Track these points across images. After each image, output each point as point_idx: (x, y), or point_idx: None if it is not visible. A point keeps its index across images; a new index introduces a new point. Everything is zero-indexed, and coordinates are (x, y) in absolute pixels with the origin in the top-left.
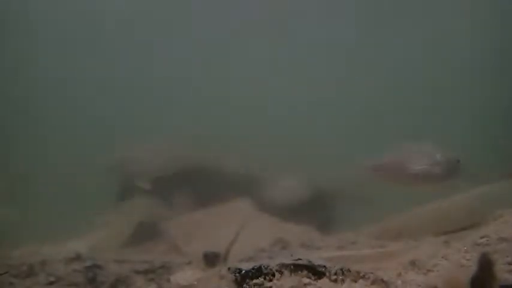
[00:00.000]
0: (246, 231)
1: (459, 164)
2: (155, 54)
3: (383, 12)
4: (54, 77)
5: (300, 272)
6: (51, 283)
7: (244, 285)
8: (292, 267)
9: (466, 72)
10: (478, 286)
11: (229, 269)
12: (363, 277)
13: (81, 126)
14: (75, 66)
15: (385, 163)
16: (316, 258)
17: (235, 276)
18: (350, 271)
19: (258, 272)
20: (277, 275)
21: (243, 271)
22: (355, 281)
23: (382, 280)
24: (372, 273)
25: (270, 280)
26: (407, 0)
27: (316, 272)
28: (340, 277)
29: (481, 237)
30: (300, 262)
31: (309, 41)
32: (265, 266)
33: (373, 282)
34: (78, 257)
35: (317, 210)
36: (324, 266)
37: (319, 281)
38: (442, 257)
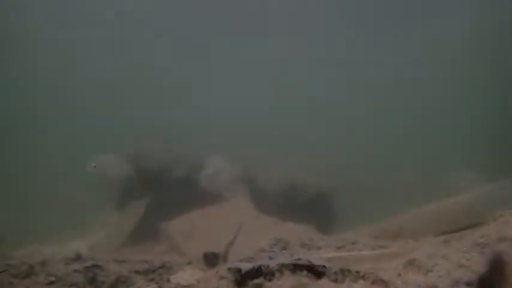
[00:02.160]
0: (246, 231)
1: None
2: None
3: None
4: None
5: (300, 272)
6: (51, 283)
7: (245, 285)
8: (292, 267)
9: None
10: (487, 285)
11: (229, 269)
12: (363, 277)
13: None
14: None
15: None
16: (316, 258)
17: (235, 276)
18: (350, 271)
19: (258, 272)
20: (277, 275)
21: (243, 271)
22: (355, 281)
23: (382, 280)
24: (372, 273)
25: (270, 280)
26: None
27: (316, 272)
28: (340, 277)
29: (481, 237)
30: (300, 262)
31: None
32: (265, 266)
33: (373, 282)
34: (78, 257)
35: None
36: (324, 266)
37: (319, 281)
38: (442, 257)
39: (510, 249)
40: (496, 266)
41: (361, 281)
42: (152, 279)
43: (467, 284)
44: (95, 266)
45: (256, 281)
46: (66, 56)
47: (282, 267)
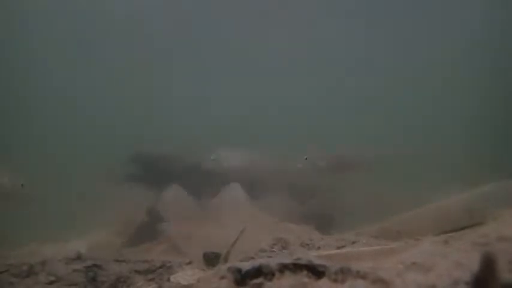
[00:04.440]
0: (246, 231)
1: None
2: None
3: None
4: None
5: (300, 272)
6: (51, 283)
7: (244, 285)
8: (292, 267)
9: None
10: (480, 286)
11: (229, 268)
12: (363, 276)
13: None
14: None
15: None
16: (316, 257)
17: (235, 276)
18: (350, 270)
19: (258, 271)
20: (277, 274)
21: (243, 271)
22: (355, 281)
23: (382, 279)
24: (372, 272)
25: (270, 280)
26: None
27: (316, 272)
28: (340, 277)
29: (481, 237)
30: (300, 262)
31: None
32: (265, 266)
33: (373, 282)
34: (78, 257)
35: None
36: (324, 266)
37: (319, 281)
38: (442, 257)
39: (509, 249)
40: (488, 264)
41: (361, 281)
42: (152, 279)
43: (467, 283)
44: (95, 265)
45: (256, 280)
46: None
47: (282, 267)
